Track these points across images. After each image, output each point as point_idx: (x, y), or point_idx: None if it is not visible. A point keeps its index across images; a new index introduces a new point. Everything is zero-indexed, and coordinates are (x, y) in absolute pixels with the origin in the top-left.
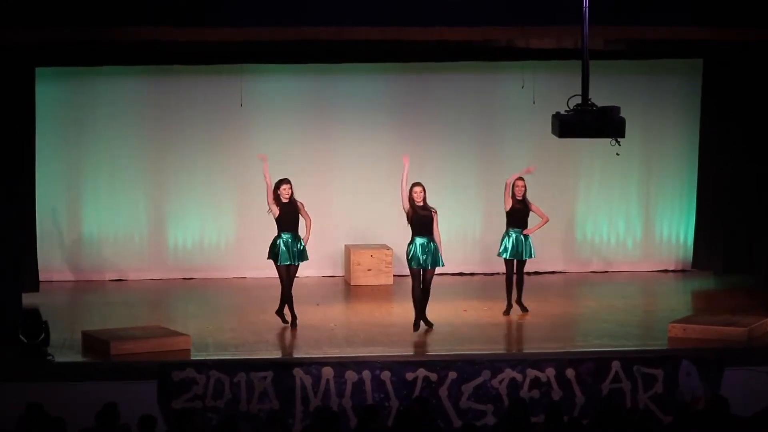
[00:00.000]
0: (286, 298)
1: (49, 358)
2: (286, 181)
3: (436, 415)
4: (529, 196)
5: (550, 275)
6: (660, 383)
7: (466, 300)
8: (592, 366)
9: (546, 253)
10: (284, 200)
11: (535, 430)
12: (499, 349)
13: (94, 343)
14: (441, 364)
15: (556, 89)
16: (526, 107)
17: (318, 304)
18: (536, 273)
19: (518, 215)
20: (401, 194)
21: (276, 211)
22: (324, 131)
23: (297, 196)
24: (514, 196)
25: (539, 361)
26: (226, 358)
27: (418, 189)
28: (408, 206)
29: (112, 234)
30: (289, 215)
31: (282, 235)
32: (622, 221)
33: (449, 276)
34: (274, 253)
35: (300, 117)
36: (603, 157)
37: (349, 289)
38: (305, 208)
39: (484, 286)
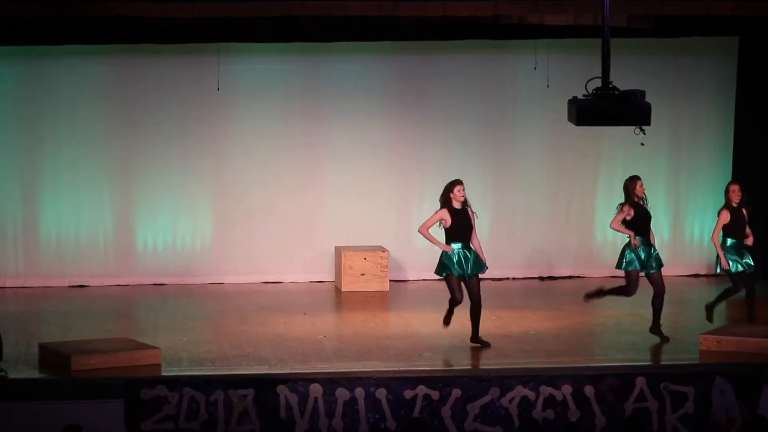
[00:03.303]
0: (451, 312)
1: (2, 374)
2: (459, 181)
3: None
4: (524, 195)
5: (566, 280)
6: (690, 402)
7: None
8: (614, 383)
9: (562, 256)
10: (457, 205)
11: None
12: (510, 363)
13: (52, 357)
14: (443, 381)
15: (573, 71)
16: (539, 91)
17: (305, 313)
18: (550, 278)
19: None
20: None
21: (448, 219)
22: (312, 119)
23: (282, 192)
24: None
25: (554, 378)
26: (202, 374)
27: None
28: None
29: (73, 234)
30: (462, 222)
31: (453, 245)
32: None
33: None
34: (443, 264)
35: (285, 103)
36: (626, 148)
37: (340, 296)
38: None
39: (492, 292)
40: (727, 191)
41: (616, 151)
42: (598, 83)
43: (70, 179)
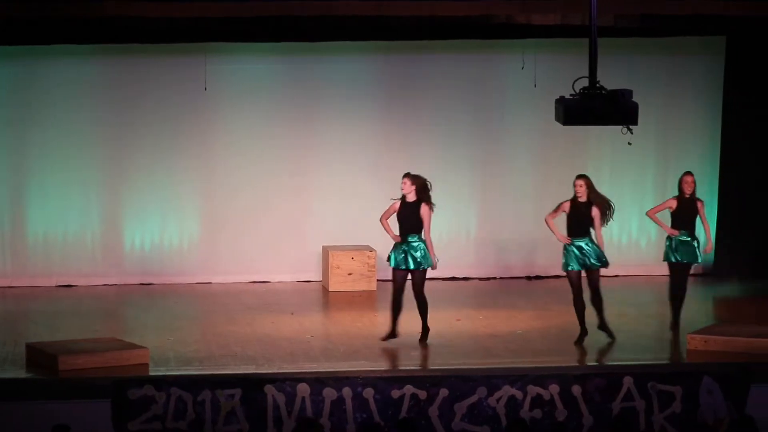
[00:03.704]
0: (393, 309)
1: None
2: (404, 174)
3: None
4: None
5: (553, 279)
6: (678, 402)
7: (459, 308)
8: (602, 382)
9: (549, 255)
10: (409, 198)
11: None
12: (497, 363)
13: (39, 357)
14: (431, 381)
15: (561, 71)
16: (526, 91)
17: (292, 313)
18: (538, 278)
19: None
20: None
21: (396, 210)
22: (299, 118)
23: (269, 191)
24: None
25: (542, 377)
26: (189, 374)
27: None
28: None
29: (60, 233)
30: (408, 214)
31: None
32: (635, 218)
33: (440, 281)
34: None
35: (273, 102)
36: (613, 147)
37: (328, 296)
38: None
39: (479, 291)
40: (680, 181)
41: (603, 150)
42: (585, 83)
43: (57, 179)
